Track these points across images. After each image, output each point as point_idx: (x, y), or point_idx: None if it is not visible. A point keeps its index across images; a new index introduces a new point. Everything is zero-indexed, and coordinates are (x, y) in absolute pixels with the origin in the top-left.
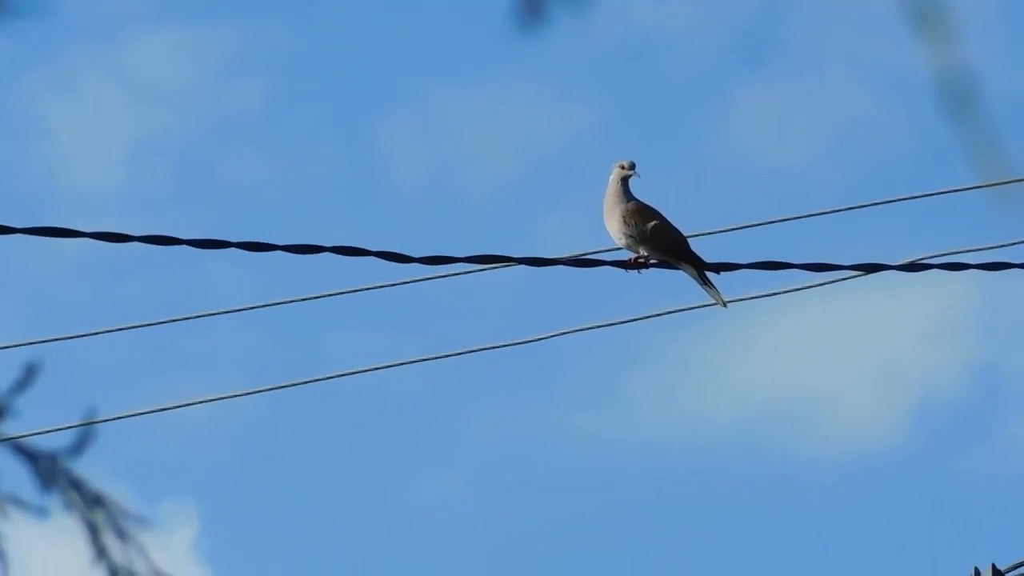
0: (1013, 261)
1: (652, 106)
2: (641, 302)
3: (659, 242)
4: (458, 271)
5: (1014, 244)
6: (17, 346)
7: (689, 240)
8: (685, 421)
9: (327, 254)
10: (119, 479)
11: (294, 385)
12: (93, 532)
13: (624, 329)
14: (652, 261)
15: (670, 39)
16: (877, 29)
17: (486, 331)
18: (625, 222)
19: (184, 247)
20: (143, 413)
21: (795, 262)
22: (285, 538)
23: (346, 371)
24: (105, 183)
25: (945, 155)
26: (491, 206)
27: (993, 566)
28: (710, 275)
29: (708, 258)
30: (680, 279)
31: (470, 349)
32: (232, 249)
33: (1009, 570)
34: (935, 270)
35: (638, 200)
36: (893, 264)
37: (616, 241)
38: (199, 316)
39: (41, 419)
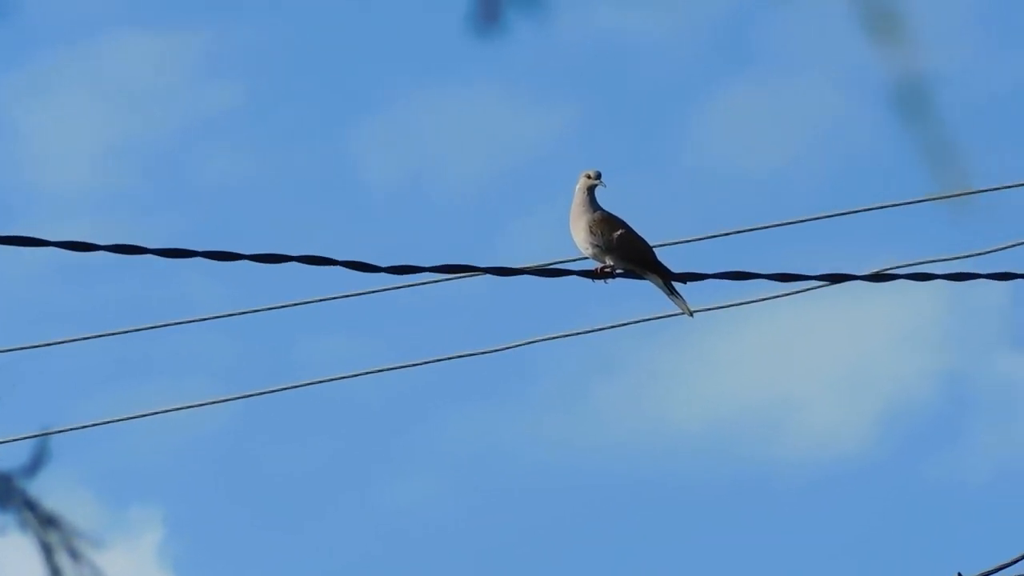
0: (980, 271)
1: (623, 111)
2: (608, 311)
3: (625, 252)
4: (425, 280)
5: (981, 254)
6: None
7: (656, 249)
8: (653, 428)
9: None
10: (85, 486)
11: (265, 393)
12: (47, 552)
13: (591, 337)
14: (618, 271)
15: (641, 44)
16: (850, 34)
17: (455, 339)
18: (591, 232)
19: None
20: (111, 422)
21: (762, 272)
22: (254, 544)
23: (316, 379)
24: (78, 186)
25: (916, 164)
26: (461, 211)
27: (959, 575)
28: (677, 285)
29: (675, 267)
30: (646, 288)
31: (440, 357)
32: (199, 257)
33: None
34: (902, 280)
35: (604, 210)
36: (860, 275)
37: (582, 251)
38: (168, 324)
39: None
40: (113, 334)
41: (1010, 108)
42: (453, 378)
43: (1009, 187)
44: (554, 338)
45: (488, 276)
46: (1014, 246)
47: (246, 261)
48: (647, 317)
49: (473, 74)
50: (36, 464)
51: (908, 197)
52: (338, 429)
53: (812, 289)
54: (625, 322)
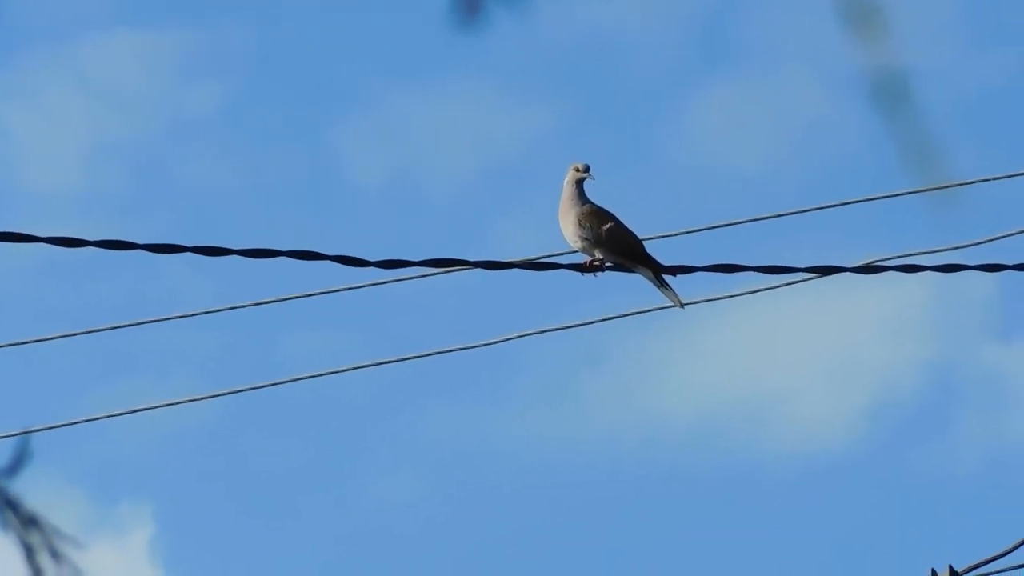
0: (968, 263)
1: (609, 108)
2: (596, 303)
3: (615, 245)
4: (414, 275)
5: (969, 246)
6: None
7: (645, 242)
8: (641, 420)
9: (283, 258)
10: (75, 483)
11: (251, 389)
12: (28, 552)
13: (579, 330)
14: (607, 264)
15: (627, 40)
16: (832, 30)
17: (443, 332)
18: (580, 225)
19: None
20: (98, 418)
21: (751, 265)
22: (242, 539)
23: (303, 375)
24: (62, 186)
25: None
26: (448, 208)
27: (951, 567)
28: (666, 277)
29: (664, 260)
30: (634, 281)
31: (427, 352)
32: (188, 252)
33: (966, 571)
34: (890, 272)
35: (593, 203)
36: (848, 267)
37: (571, 244)
38: (155, 320)
39: None
40: (100, 330)
41: (991, 103)
42: (439, 372)
43: (988, 180)
44: (542, 332)
45: (477, 271)
46: (1001, 237)
47: (234, 256)
48: (637, 310)
49: (459, 71)
50: (17, 464)
51: (893, 190)
52: (324, 424)
53: (801, 281)
54: (614, 315)
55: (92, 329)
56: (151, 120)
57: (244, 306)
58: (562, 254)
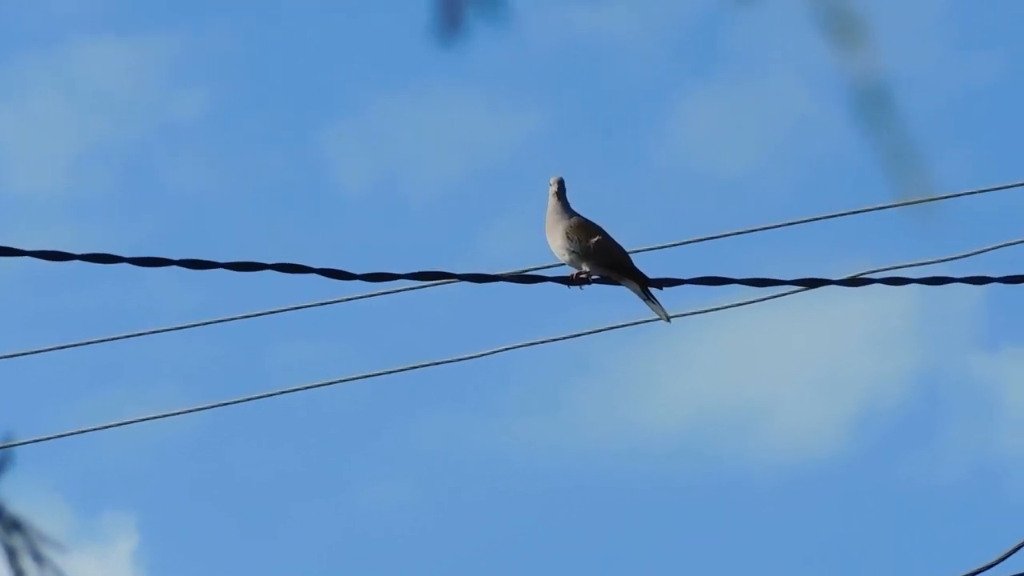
0: (954, 275)
1: (595, 114)
2: (583, 316)
3: (602, 258)
4: (400, 287)
5: (955, 258)
6: None
7: (631, 255)
8: (628, 430)
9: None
10: (58, 493)
11: (239, 402)
12: (11, 555)
13: (566, 341)
14: (594, 277)
15: (612, 46)
16: (816, 37)
17: (429, 343)
18: (568, 238)
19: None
20: (86, 431)
21: (737, 277)
22: (228, 549)
23: (289, 387)
24: (48, 191)
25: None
26: (434, 215)
27: None
28: (653, 290)
29: (650, 272)
30: (621, 293)
31: (414, 365)
32: (174, 266)
33: None
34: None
35: (580, 215)
36: (835, 279)
37: (559, 257)
38: (141, 334)
39: None
40: (86, 343)
41: (974, 106)
42: (427, 383)
43: (974, 192)
44: (528, 345)
45: (463, 283)
46: (988, 250)
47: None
48: (623, 323)
49: (445, 76)
50: (0, 469)
51: (878, 201)
52: (311, 433)
53: (787, 294)
54: (601, 328)
55: (78, 342)
56: (138, 124)
57: (231, 319)
58: (549, 267)
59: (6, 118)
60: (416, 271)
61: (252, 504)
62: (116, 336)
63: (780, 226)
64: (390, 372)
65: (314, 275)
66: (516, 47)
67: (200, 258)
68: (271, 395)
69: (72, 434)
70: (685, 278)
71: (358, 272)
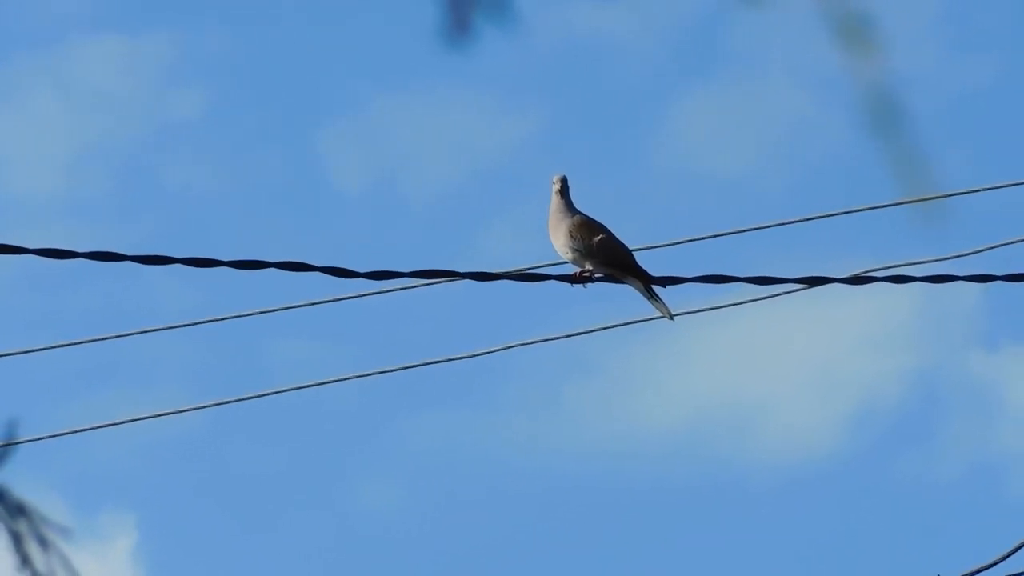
0: (957, 274)
1: (594, 114)
2: (584, 314)
3: (606, 256)
4: (403, 286)
5: (958, 256)
6: None
7: (635, 253)
8: (626, 429)
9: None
10: (56, 492)
11: (239, 400)
12: (16, 540)
13: (567, 340)
14: (598, 275)
15: (612, 46)
16: (818, 37)
17: (431, 342)
18: (572, 236)
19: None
20: (85, 429)
21: (740, 276)
22: (227, 547)
23: (289, 386)
24: (45, 192)
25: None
26: (434, 214)
27: None
28: (656, 288)
29: (653, 270)
30: (622, 291)
31: (413, 364)
32: (177, 264)
33: None
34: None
35: (583, 214)
36: (838, 277)
37: (562, 255)
38: (141, 332)
39: None
40: (85, 342)
41: (973, 106)
42: (426, 382)
43: (977, 191)
44: (530, 343)
45: (466, 280)
46: (991, 248)
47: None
48: (626, 321)
49: (443, 76)
50: (3, 456)
51: (880, 199)
52: (309, 432)
53: (790, 292)
54: (602, 326)
55: (77, 341)
56: (136, 124)
57: (231, 317)
58: (551, 265)
59: (4, 119)
60: (419, 269)
61: (251, 502)
62: (115, 335)
63: (783, 224)
64: (389, 371)
65: (314, 274)
66: (516, 47)
67: (203, 256)
68: (269, 394)
69: (71, 432)
70: (688, 276)
71: (360, 270)
